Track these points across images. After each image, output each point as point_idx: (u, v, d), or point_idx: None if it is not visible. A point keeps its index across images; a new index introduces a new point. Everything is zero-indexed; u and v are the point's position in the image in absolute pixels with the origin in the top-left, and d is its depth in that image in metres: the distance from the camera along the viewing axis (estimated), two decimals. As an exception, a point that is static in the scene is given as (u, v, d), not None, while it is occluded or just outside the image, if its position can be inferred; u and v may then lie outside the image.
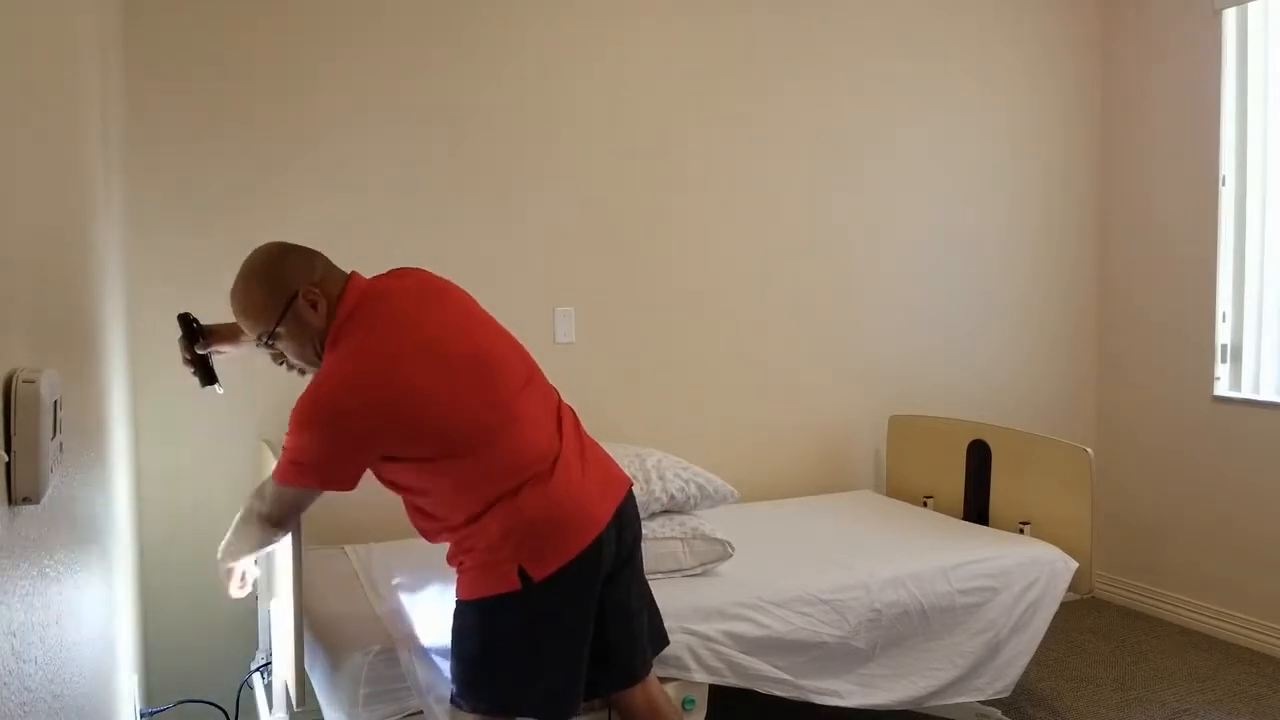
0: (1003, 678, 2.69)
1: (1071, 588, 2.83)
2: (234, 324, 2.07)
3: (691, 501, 2.68)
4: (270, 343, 1.90)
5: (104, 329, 1.95)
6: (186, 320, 2.07)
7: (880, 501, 3.44)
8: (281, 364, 1.96)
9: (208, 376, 2.11)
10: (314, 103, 2.93)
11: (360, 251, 3.00)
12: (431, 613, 2.31)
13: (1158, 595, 3.90)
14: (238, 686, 2.78)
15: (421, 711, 2.10)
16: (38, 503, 0.90)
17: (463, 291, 2.02)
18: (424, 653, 2.13)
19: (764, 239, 3.54)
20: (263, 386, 2.89)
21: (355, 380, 1.78)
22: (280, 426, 2.89)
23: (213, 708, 2.78)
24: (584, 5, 3.25)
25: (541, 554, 1.85)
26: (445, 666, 2.13)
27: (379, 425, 1.77)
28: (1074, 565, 2.82)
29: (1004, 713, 2.84)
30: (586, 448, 2.01)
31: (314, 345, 1.89)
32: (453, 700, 1.96)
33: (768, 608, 2.44)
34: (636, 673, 2.06)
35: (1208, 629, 3.71)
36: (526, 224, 3.21)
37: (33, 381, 0.87)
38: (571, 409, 2.07)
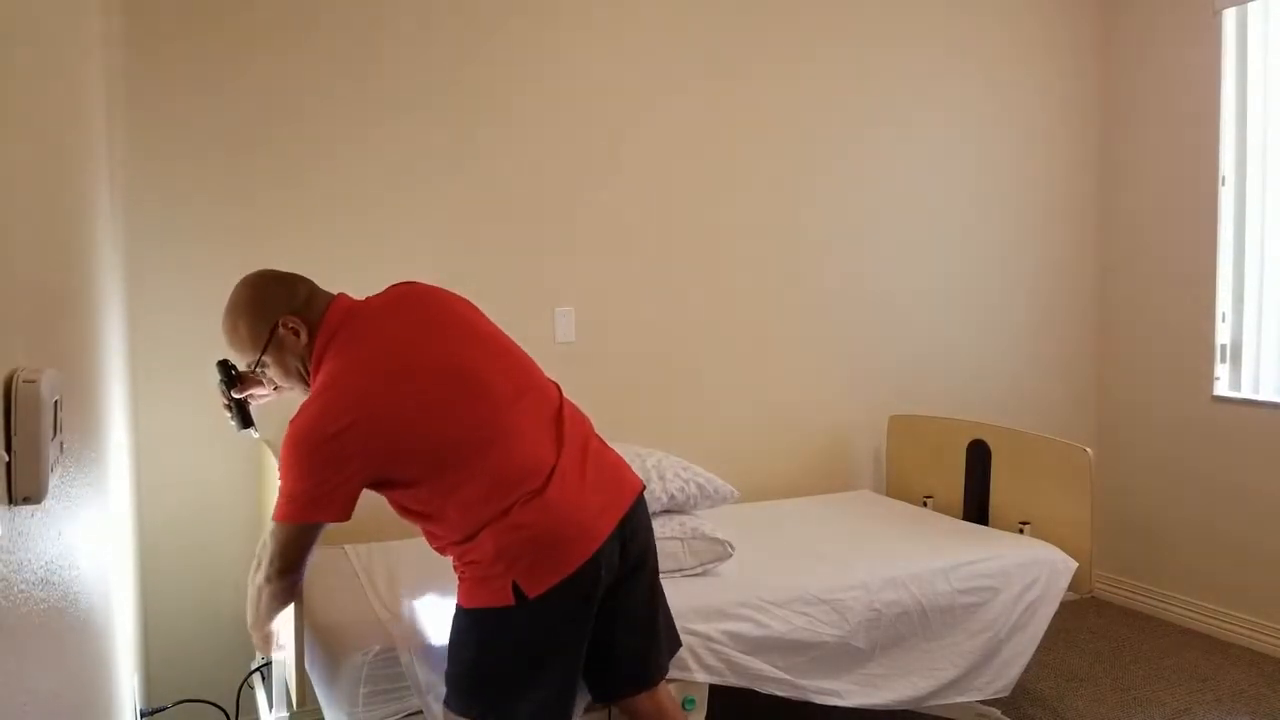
0: (1002, 678, 2.69)
1: (1071, 588, 2.83)
2: None
3: (691, 501, 2.68)
4: (261, 371, 1.96)
5: (104, 329, 1.95)
6: (225, 366, 2.10)
7: (880, 501, 3.44)
8: (276, 389, 2.02)
9: (244, 420, 2.14)
10: (313, 104, 2.93)
11: (360, 254, 3.00)
12: (432, 613, 2.31)
13: (1158, 595, 3.90)
14: (238, 686, 2.78)
15: (421, 711, 2.10)
16: (38, 503, 0.90)
17: (457, 301, 2.00)
18: (424, 653, 2.13)
19: (763, 239, 3.54)
20: (263, 386, 2.89)
21: (328, 410, 1.79)
22: (280, 427, 2.90)
23: (213, 708, 2.78)
24: (582, 6, 3.25)
25: (536, 571, 1.83)
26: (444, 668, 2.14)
27: (355, 451, 1.78)
28: (1074, 565, 2.82)
29: (1004, 713, 2.84)
30: (591, 455, 1.96)
31: (299, 371, 1.94)
32: (445, 702, 1.96)
33: (768, 608, 2.44)
34: (647, 679, 2.05)
35: (1208, 629, 3.71)
36: (526, 224, 3.21)
37: (33, 381, 0.87)
38: (578, 413, 2.02)
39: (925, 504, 3.42)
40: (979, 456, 3.25)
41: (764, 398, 3.58)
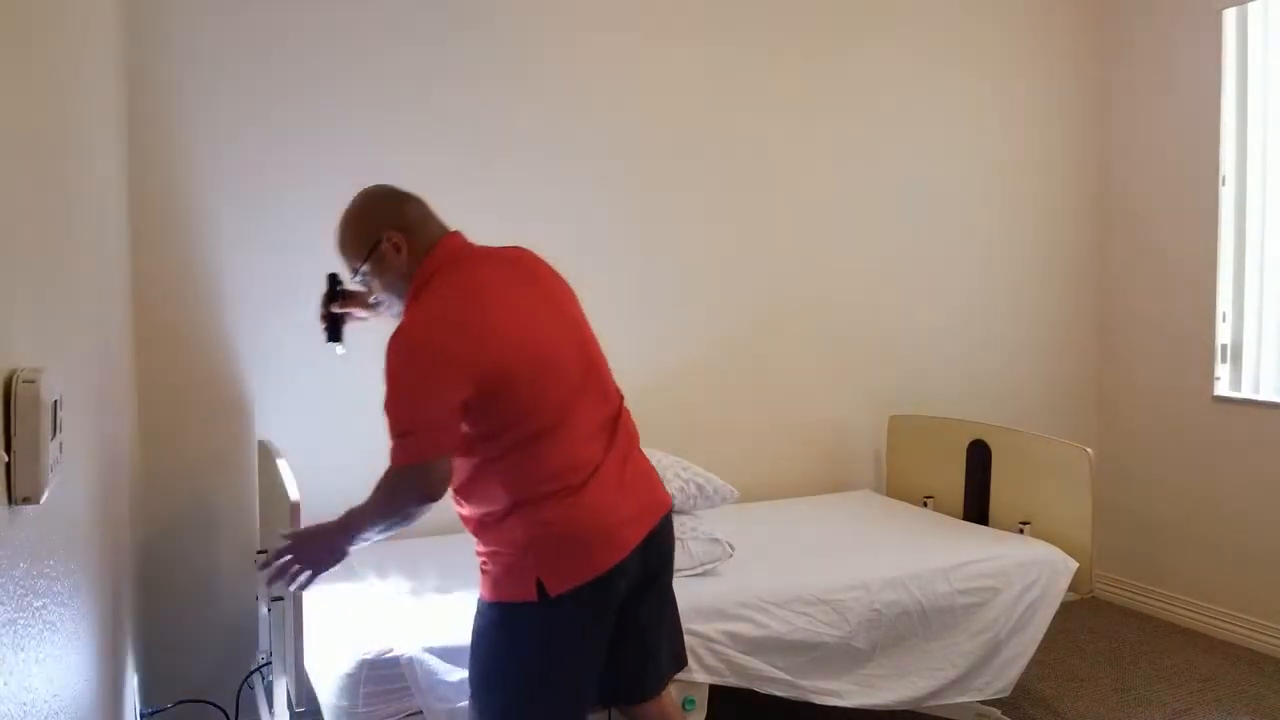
0: (1002, 678, 2.70)
1: (1071, 588, 2.83)
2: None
3: (691, 501, 2.68)
4: (363, 281, 1.97)
5: (106, 328, 1.95)
6: (332, 279, 2.17)
7: (880, 501, 3.44)
8: (376, 304, 2.02)
9: (333, 334, 2.20)
10: (314, 102, 2.93)
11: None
12: (432, 613, 2.31)
13: (1158, 595, 3.90)
14: (238, 686, 2.78)
15: (421, 711, 2.10)
16: (38, 503, 0.90)
17: (563, 286, 2.02)
18: (424, 653, 2.13)
19: (763, 239, 3.54)
20: (262, 386, 2.89)
21: (423, 326, 1.79)
22: (278, 425, 2.90)
23: (213, 708, 2.78)
24: (588, 5, 3.25)
25: (560, 569, 1.83)
26: (445, 668, 2.14)
27: (447, 370, 1.76)
28: (1074, 565, 2.82)
29: (1004, 713, 2.84)
30: (631, 464, 1.97)
31: (401, 287, 1.94)
32: (471, 698, 1.96)
33: (768, 608, 2.44)
34: (645, 691, 2.05)
35: (1208, 629, 3.71)
36: (526, 224, 3.20)
37: (33, 381, 0.87)
38: (631, 423, 2.03)
39: (925, 504, 3.41)
40: (979, 456, 3.25)
41: (764, 397, 3.58)
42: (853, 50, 3.64)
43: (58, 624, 1.09)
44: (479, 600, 1.94)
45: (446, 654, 2.15)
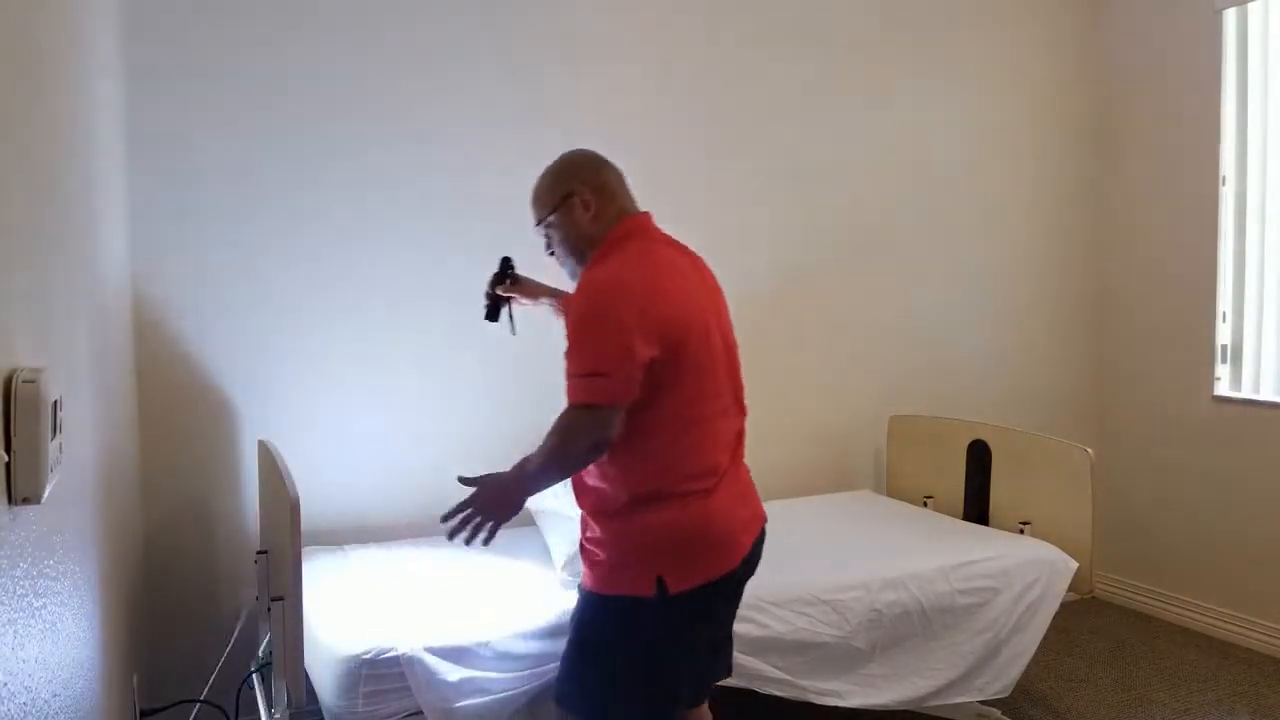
0: (1003, 678, 2.70)
1: (1072, 588, 2.83)
2: (542, 284, 2.23)
3: (692, 501, 2.67)
4: (545, 230, 2.02)
5: (104, 329, 1.95)
6: (505, 262, 2.26)
7: (880, 501, 3.44)
8: (551, 254, 2.06)
9: (491, 313, 2.27)
10: (307, 97, 2.93)
11: (369, 252, 2.99)
12: (432, 613, 2.31)
13: (1158, 595, 3.90)
14: (238, 686, 2.78)
15: (421, 711, 2.10)
16: (38, 503, 0.90)
17: (721, 294, 2.08)
18: (424, 652, 2.13)
19: (761, 238, 3.54)
20: (261, 386, 2.89)
21: (621, 278, 1.82)
22: (279, 425, 2.90)
23: (213, 708, 2.78)
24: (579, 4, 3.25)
25: (686, 567, 1.84)
26: (445, 667, 2.14)
27: (643, 322, 1.77)
28: (1074, 565, 2.82)
29: (1004, 713, 2.84)
30: (742, 475, 2.02)
31: (580, 245, 1.98)
32: (558, 696, 1.95)
33: (768, 608, 2.44)
34: (700, 695, 2.07)
35: (1208, 629, 3.71)
36: (524, 224, 3.20)
37: (33, 381, 0.87)
38: (744, 439, 2.07)
39: (925, 504, 3.41)
40: (979, 456, 3.25)
41: (764, 398, 3.57)
42: (855, 52, 3.64)
43: (58, 624, 1.09)
44: (582, 590, 1.94)
45: (446, 654, 2.15)
